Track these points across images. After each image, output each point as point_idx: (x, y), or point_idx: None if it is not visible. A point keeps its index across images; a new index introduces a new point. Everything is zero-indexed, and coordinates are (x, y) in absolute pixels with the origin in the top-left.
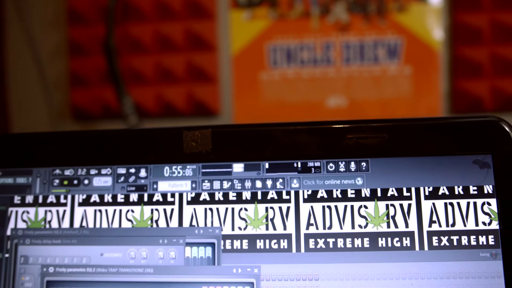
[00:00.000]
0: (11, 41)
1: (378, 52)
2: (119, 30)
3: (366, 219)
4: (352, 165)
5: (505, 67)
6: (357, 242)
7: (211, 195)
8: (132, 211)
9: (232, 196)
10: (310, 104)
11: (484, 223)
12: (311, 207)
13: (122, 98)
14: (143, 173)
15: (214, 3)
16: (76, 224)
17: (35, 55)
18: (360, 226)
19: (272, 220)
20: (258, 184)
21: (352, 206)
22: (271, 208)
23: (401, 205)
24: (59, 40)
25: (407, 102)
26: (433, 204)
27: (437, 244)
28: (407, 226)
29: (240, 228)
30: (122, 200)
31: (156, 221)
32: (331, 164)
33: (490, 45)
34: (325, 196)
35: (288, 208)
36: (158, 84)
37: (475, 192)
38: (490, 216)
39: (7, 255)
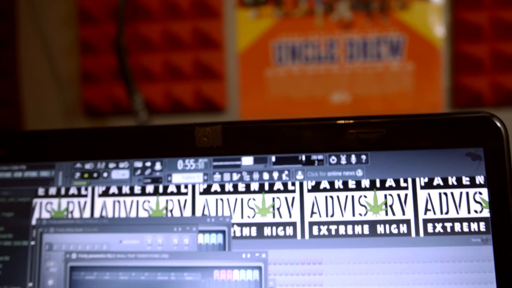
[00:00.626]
0: (24, 40)
1: (381, 49)
2: (129, 29)
3: (365, 207)
4: (353, 158)
5: (505, 63)
6: (358, 229)
7: (222, 186)
8: (148, 201)
9: (241, 187)
10: (314, 99)
11: (475, 211)
12: (315, 197)
13: (132, 95)
14: (158, 166)
15: (221, 2)
16: (97, 214)
17: (47, 53)
18: (360, 214)
19: (278, 209)
20: (265, 176)
21: (352, 196)
22: (278, 198)
23: (398, 195)
24: (71, 39)
25: (409, 97)
26: (428, 193)
27: (431, 231)
28: (404, 214)
29: (248, 217)
30: (139, 192)
31: (171, 211)
32: (333, 157)
33: (490, 41)
34: (328, 186)
35: (293, 198)
36: (166, 81)
37: (468, 183)
38: (481, 204)
39: (33, 243)
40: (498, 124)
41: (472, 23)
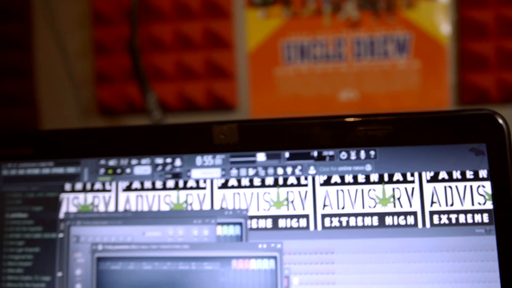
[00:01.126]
0: (40, 42)
1: (387, 47)
2: (142, 30)
3: (374, 200)
4: (362, 154)
5: (510, 60)
6: (367, 220)
7: (239, 181)
8: (169, 195)
9: (257, 181)
10: (323, 97)
11: (479, 203)
12: (326, 190)
13: (146, 94)
14: (178, 162)
15: (231, 2)
16: (121, 208)
17: (63, 55)
18: (369, 207)
19: (292, 202)
20: (280, 171)
21: (362, 190)
22: (291, 191)
23: (405, 188)
24: (85, 40)
25: (416, 95)
26: (434, 187)
27: (437, 222)
28: (411, 206)
29: (264, 210)
30: (160, 186)
31: (191, 204)
32: (343, 153)
33: (495, 39)
34: (339, 181)
35: (306, 191)
36: (178, 80)
37: (472, 176)
38: (484, 197)
39: (61, 235)
40: (500, 121)
41: (477, 21)
